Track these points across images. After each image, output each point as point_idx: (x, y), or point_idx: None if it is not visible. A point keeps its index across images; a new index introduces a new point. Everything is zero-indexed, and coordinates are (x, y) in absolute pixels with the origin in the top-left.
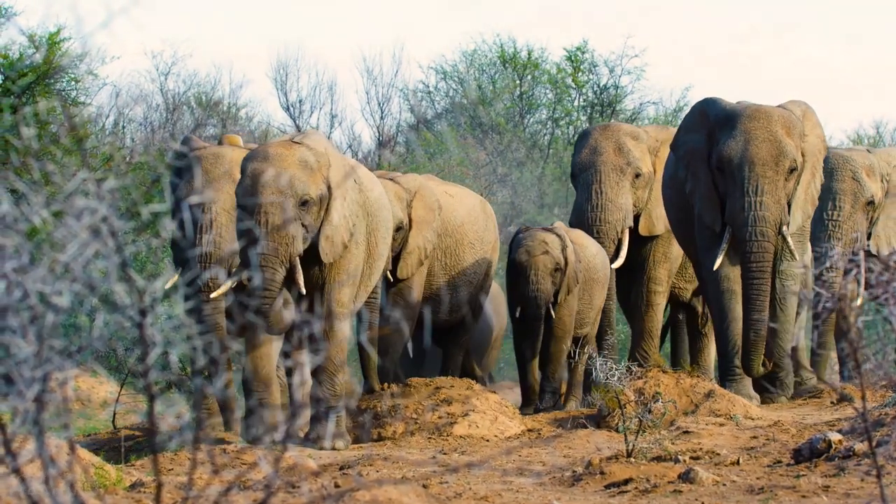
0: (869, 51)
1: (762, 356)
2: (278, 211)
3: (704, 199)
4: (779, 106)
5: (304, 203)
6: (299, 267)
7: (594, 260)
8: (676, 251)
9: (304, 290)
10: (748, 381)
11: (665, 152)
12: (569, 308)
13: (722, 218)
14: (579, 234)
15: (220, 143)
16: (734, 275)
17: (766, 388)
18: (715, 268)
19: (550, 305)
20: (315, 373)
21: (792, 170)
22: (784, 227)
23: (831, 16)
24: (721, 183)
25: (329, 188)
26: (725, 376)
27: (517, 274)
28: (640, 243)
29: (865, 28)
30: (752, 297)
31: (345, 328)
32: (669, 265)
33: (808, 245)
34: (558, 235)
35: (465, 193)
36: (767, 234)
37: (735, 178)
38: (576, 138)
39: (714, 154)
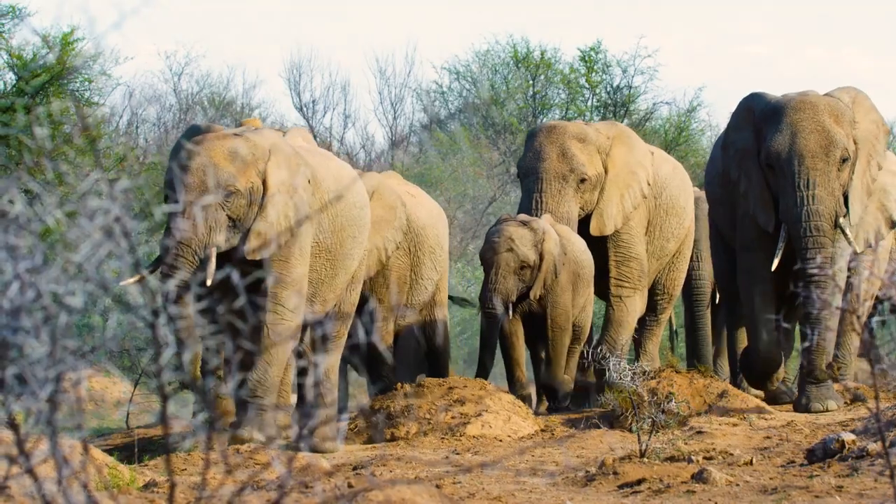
0: (883, 51)
1: (826, 359)
2: (198, 200)
3: (758, 198)
4: (826, 94)
5: (228, 195)
6: (213, 258)
7: (581, 256)
8: (642, 249)
9: (209, 282)
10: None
11: (618, 150)
12: (562, 306)
13: (776, 217)
14: (566, 230)
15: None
16: (771, 276)
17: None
18: (773, 269)
19: (512, 305)
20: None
21: (844, 159)
22: (841, 220)
23: (845, 15)
24: (772, 180)
25: (265, 183)
26: (741, 378)
27: (484, 268)
28: (597, 244)
29: (879, 28)
30: (814, 297)
31: (286, 335)
32: (638, 263)
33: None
34: (533, 229)
35: (426, 196)
36: (823, 228)
37: (785, 174)
38: (525, 137)
39: (762, 150)
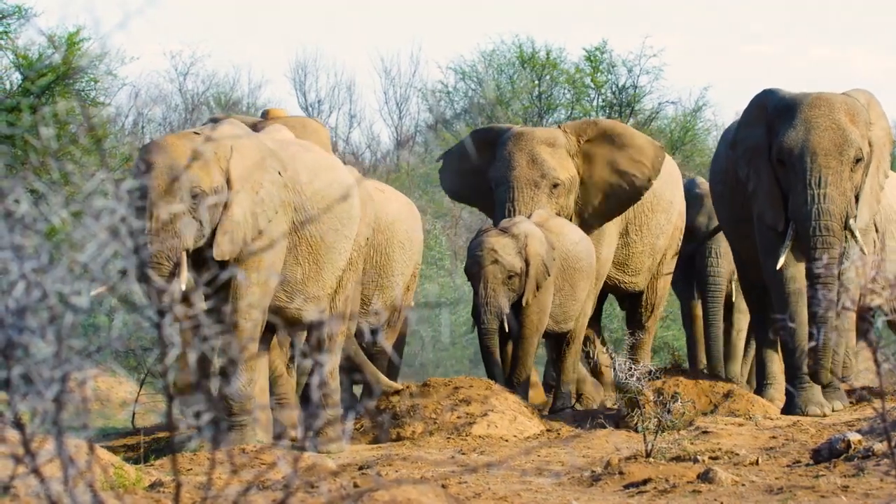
0: (889, 51)
1: (831, 362)
2: (166, 204)
3: (766, 196)
4: (842, 94)
5: (194, 196)
6: (185, 262)
7: (576, 248)
8: (609, 252)
9: (183, 286)
10: (817, 389)
11: (595, 148)
12: (538, 305)
13: (785, 215)
14: (560, 223)
15: (263, 116)
16: (800, 275)
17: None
18: (778, 267)
19: (511, 313)
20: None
21: (858, 160)
22: (851, 221)
23: (850, 15)
24: (783, 177)
25: (229, 181)
26: (793, 383)
27: (471, 283)
28: None
29: (885, 28)
30: (820, 297)
31: (248, 328)
32: (599, 267)
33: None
34: (514, 235)
35: (394, 191)
36: (833, 227)
37: (797, 171)
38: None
39: (774, 146)
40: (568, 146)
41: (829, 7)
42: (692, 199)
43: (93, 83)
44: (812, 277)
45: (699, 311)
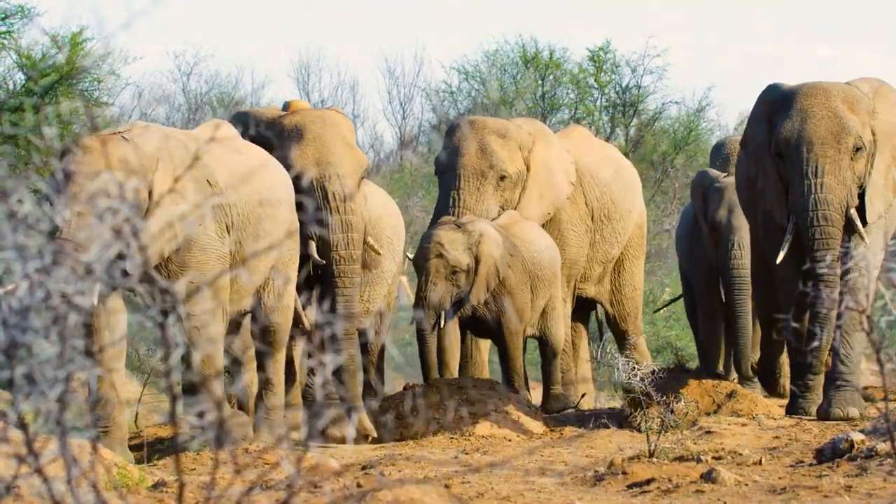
0: (893, 50)
1: (827, 355)
2: (89, 211)
3: (772, 193)
4: (846, 83)
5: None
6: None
7: (539, 256)
8: (576, 252)
9: (95, 302)
10: (842, 394)
11: (540, 147)
12: (513, 309)
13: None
14: (527, 227)
15: (285, 108)
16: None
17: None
18: (778, 262)
19: (448, 313)
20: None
21: (858, 148)
22: (852, 211)
23: (854, 15)
24: (783, 170)
25: (151, 193)
26: (797, 384)
27: (417, 274)
28: None
29: (888, 27)
30: (823, 296)
31: (200, 340)
32: (567, 270)
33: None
34: (468, 232)
35: (376, 187)
36: (832, 217)
37: (794, 162)
38: (444, 132)
39: (773, 139)
40: (520, 139)
41: (833, 7)
42: (713, 192)
43: (96, 83)
44: (814, 276)
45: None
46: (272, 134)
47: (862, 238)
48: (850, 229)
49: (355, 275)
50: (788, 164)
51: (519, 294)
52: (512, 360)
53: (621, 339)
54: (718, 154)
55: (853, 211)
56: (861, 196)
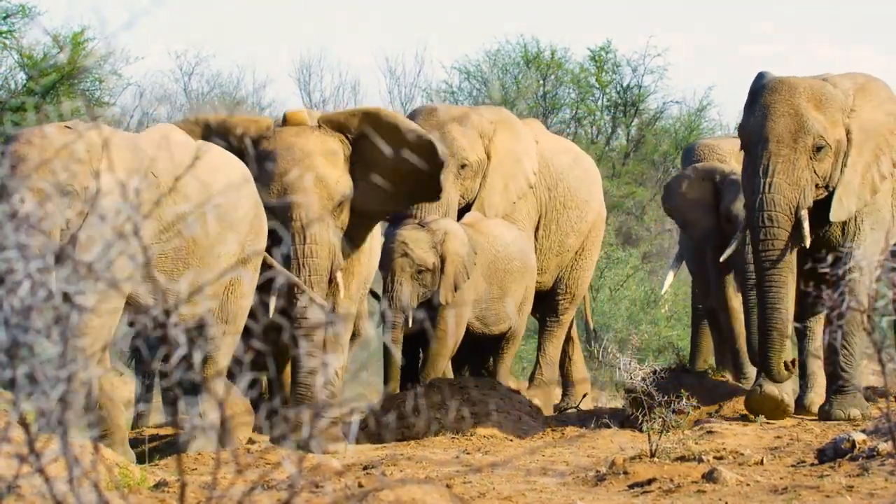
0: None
1: (783, 357)
2: (39, 202)
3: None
4: (823, 77)
5: (66, 195)
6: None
7: (507, 250)
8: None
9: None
10: (846, 396)
11: (502, 136)
12: (455, 307)
13: None
14: (492, 224)
15: (283, 121)
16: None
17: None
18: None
19: (413, 312)
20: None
21: (819, 147)
22: (803, 212)
23: (855, 14)
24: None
25: (98, 186)
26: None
27: (382, 275)
28: None
29: (890, 27)
30: (766, 289)
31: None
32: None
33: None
34: (432, 231)
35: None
36: (777, 219)
37: (752, 158)
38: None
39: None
40: (480, 127)
41: (834, 6)
42: (727, 185)
43: (98, 83)
44: (759, 270)
45: (737, 304)
46: (251, 154)
47: (803, 238)
48: (850, 230)
49: (318, 294)
50: (748, 160)
51: (464, 294)
52: (436, 356)
53: (552, 312)
54: (689, 159)
55: (804, 212)
56: (831, 195)
